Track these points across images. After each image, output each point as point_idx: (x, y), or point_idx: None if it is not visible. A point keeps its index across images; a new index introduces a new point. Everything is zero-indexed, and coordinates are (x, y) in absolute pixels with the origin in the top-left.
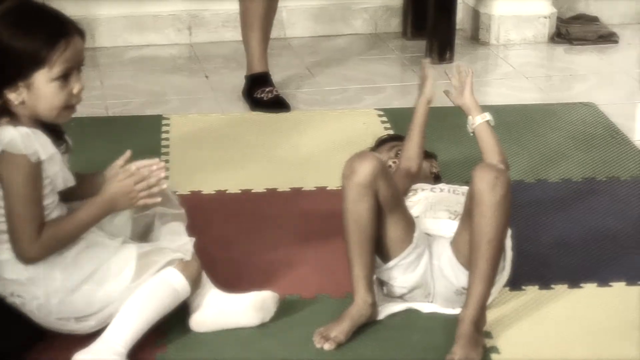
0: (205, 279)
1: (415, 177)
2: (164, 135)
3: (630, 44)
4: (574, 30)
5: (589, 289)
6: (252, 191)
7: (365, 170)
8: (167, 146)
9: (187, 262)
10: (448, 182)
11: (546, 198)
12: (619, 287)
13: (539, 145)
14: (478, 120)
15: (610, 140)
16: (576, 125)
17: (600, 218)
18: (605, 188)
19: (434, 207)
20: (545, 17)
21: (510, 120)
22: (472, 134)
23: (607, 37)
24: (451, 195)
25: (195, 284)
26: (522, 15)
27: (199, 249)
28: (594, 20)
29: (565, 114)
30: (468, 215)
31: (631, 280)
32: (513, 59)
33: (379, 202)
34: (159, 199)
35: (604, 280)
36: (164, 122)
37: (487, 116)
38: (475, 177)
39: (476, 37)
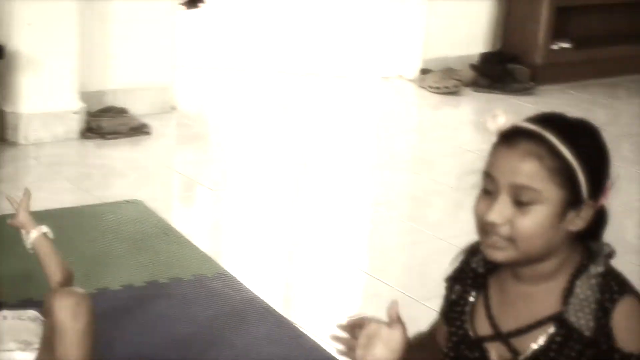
0: None
1: None
2: None
3: (163, 134)
4: (105, 124)
5: None
6: None
7: None
8: None
9: None
10: (10, 307)
11: (110, 308)
12: None
13: (93, 251)
14: (34, 234)
15: (165, 239)
16: (126, 225)
17: (171, 323)
18: (169, 290)
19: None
20: (75, 113)
21: (59, 226)
22: (32, 251)
23: (138, 129)
24: (17, 322)
25: None
26: (50, 112)
27: None
28: (123, 112)
29: (113, 214)
30: (48, 345)
31: None
32: (46, 159)
33: None
34: None
35: None
36: None
37: (44, 228)
38: (55, 307)
39: (3, 137)
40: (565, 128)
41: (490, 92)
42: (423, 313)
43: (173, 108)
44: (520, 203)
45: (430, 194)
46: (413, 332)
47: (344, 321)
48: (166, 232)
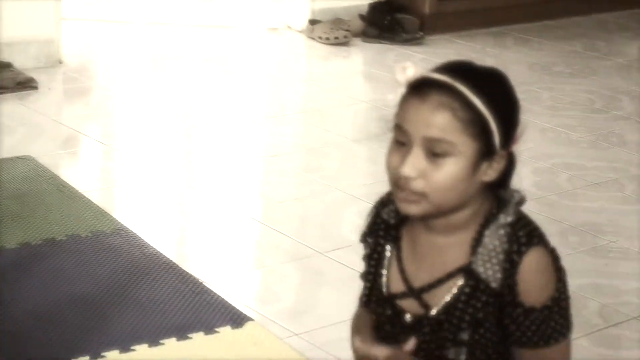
0: None
1: None
2: None
3: (50, 88)
4: None
5: None
6: None
7: None
8: None
9: None
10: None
11: (6, 266)
12: (112, 356)
13: None
14: None
15: (59, 195)
16: (20, 182)
17: (71, 282)
18: (68, 248)
19: None
20: None
21: None
22: None
23: (25, 83)
24: None
25: None
26: None
27: None
28: (8, 66)
29: (4, 171)
30: None
31: (124, 348)
32: None
33: None
34: None
35: (95, 352)
36: None
37: None
38: None
39: None
40: (476, 78)
41: (379, 43)
42: (326, 265)
43: (60, 62)
44: (433, 156)
45: (326, 145)
46: (314, 283)
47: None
48: (60, 189)
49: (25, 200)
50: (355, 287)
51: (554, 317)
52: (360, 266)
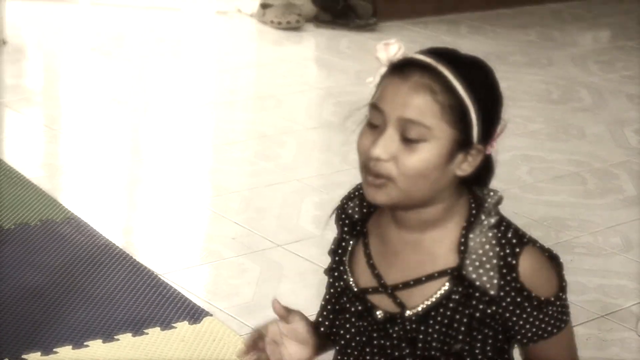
0: None
1: None
2: None
3: None
4: None
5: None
6: None
7: None
8: None
9: None
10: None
11: None
12: (65, 352)
13: None
14: None
15: (6, 182)
16: None
17: (21, 272)
18: (16, 236)
19: None
20: None
21: None
22: None
23: None
24: None
25: None
26: None
27: None
28: None
29: None
30: None
31: (77, 344)
32: None
33: None
34: None
35: (47, 348)
36: None
37: None
38: None
39: None
40: (461, 65)
41: (332, 28)
42: (284, 257)
43: (3, 42)
44: (407, 140)
45: (280, 133)
46: (272, 277)
47: (244, 345)
48: (7, 175)
49: None
50: (315, 281)
51: (565, 302)
52: (320, 259)
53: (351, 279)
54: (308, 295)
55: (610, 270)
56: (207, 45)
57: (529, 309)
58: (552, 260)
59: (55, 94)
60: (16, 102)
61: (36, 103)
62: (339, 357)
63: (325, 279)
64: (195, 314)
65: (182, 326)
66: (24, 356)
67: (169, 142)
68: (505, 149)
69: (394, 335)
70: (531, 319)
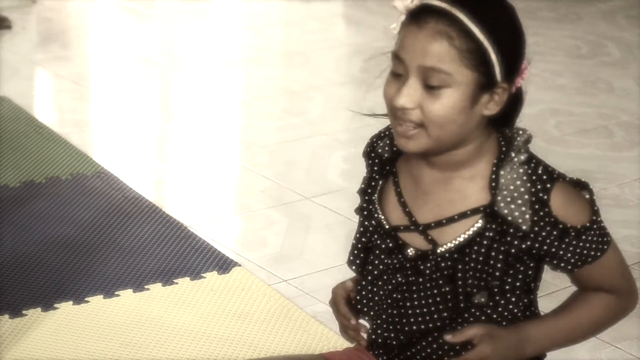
0: None
1: None
2: None
3: (24, 28)
4: None
5: (65, 309)
6: None
7: None
8: None
9: None
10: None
11: None
12: (96, 301)
13: None
14: None
15: (38, 137)
16: None
17: (52, 225)
18: (48, 190)
19: None
20: None
21: None
22: None
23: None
24: None
25: None
26: None
27: None
28: None
29: None
30: None
31: (108, 293)
32: None
33: None
34: None
35: (79, 297)
36: None
37: None
38: None
39: None
40: (479, 6)
41: None
42: (312, 209)
43: (33, 1)
44: (430, 87)
45: (309, 89)
46: (300, 229)
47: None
48: (38, 130)
49: (3, 141)
50: (342, 233)
51: (602, 225)
52: (348, 212)
53: (382, 217)
54: (335, 247)
55: (637, 221)
56: (235, 3)
57: (566, 239)
58: (583, 189)
59: (84, 51)
60: (46, 61)
61: (65, 61)
62: (363, 293)
63: (351, 230)
64: (224, 264)
65: (212, 276)
66: (56, 305)
67: (198, 98)
68: (534, 102)
69: (427, 272)
70: (571, 248)
